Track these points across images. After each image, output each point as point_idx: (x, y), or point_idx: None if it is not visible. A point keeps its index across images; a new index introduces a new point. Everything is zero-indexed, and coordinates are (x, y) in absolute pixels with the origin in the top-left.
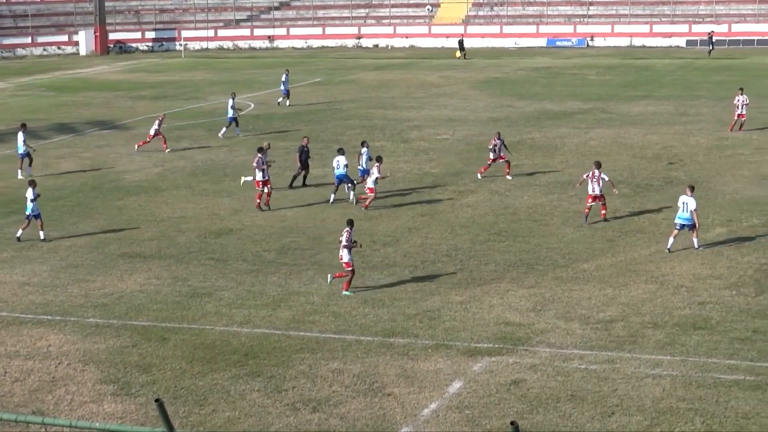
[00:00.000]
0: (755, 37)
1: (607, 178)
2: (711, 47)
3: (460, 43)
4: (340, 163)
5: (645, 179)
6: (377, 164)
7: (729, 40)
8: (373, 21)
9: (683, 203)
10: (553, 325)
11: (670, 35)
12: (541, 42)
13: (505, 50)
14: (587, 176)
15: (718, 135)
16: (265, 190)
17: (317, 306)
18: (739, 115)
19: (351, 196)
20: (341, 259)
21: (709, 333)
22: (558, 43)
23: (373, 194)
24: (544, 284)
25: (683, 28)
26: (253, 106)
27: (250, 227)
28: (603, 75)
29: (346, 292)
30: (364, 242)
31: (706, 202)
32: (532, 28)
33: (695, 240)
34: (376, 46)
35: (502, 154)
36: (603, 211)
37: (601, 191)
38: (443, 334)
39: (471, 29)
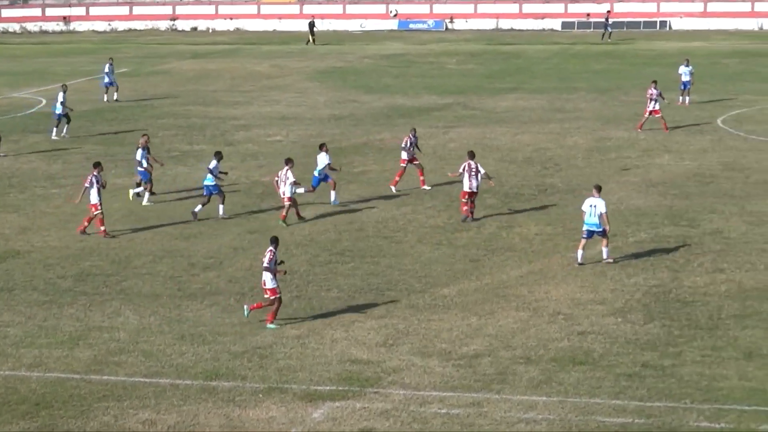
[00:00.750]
0: (641, 19)
1: (483, 171)
2: (607, 31)
3: (311, 25)
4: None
5: (515, 187)
6: (287, 166)
7: (612, 22)
8: None
9: (591, 206)
10: (408, 362)
11: (542, 16)
12: (392, 24)
13: (348, 34)
14: (464, 169)
15: (600, 135)
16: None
17: (124, 344)
18: (652, 112)
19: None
20: (263, 285)
21: (591, 368)
22: (411, 26)
23: (289, 203)
24: (397, 313)
25: (558, 8)
26: (44, 102)
27: (42, 249)
28: (464, 63)
29: (271, 326)
30: (180, 266)
31: None
32: (380, 8)
33: (605, 250)
34: (195, 29)
35: (415, 156)
36: (472, 209)
37: (477, 188)
38: (276, 375)
39: (308, 9)
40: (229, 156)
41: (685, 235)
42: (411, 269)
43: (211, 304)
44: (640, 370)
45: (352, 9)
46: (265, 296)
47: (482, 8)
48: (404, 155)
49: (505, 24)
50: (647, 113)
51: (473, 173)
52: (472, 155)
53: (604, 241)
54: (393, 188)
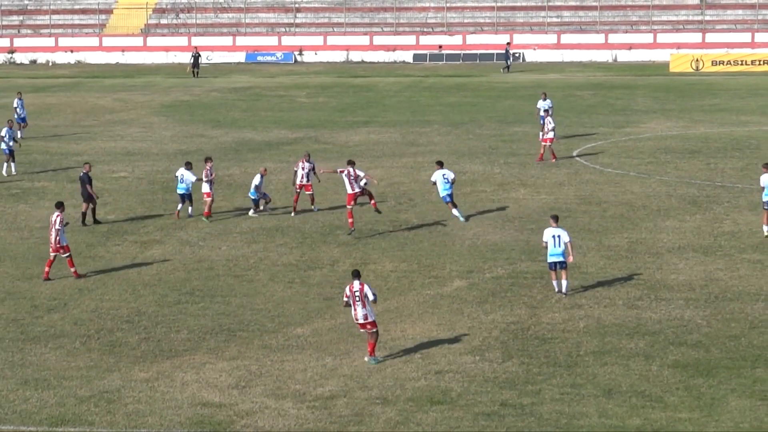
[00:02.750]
0: (494, 51)
1: (362, 174)
2: (508, 63)
3: (195, 57)
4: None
5: (368, 223)
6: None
7: (464, 54)
8: (29, 30)
9: (554, 237)
10: (262, 404)
11: (393, 48)
12: (239, 56)
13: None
14: (344, 173)
15: (454, 169)
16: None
17: None
18: (544, 140)
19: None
20: (365, 318)
21: (450, 408)
22: (260, 58)
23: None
24: (250, 354)
25: (409, 39)
26: None
27: None
28: (315, 97)
29: (373, 360)
30: (22, 308)
31: (442, 249)
32: (227, 40)
33: (564, 283)
34: (34, 62)
35: (309, 182)
36: (372, 201)
37: (360, 188)
38: (125, 420)
39: (152, 41)
40: (71, 193)
41: (543, 271)
42: (263, 308)
43: (56, 347)
44: (499, 409)
45: (197, 41)
46: (367, 329)
47: (332, 40)
48: (298, 181)
49: (356, 56)
50: (543, 141)
51: (353, 178)
52: (352, 163)
53: (564, 273)
54: (293, 214)
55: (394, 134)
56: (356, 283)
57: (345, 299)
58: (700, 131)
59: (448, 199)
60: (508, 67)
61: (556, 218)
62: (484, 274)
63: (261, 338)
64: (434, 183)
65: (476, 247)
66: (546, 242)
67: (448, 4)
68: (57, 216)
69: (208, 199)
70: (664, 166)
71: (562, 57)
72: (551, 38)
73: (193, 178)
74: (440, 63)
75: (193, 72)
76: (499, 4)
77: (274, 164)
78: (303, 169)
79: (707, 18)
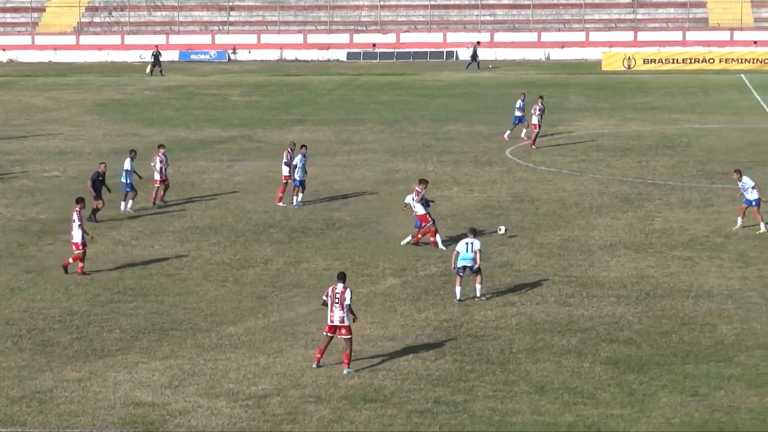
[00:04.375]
0: (428, 49)
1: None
2: (475, 61)
3: (156, 56)
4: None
5: (302, 222)
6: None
7: (397, 52)
8: None
9: (467, 243)
10: (195, 403)
11: (327, 47)
12: (173, 55)
13: (128, 65)
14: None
15: (388, 167)
16: None
17: None
18: (533, 125)
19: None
20: (341, 322)
21: (383, 406)
22: (193, 57)
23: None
24: (183, 354)
25: (343, 38)
26: None
27: None
28: (248, 95)
29: (349, 370)
30: None
31: (375, 248)
32: (160, 38)
33: (478, 287)
34: None
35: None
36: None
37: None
38: (57, 420)
39: (85, 39)
40: (3, 193)
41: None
42: (196, 307)
43: None
44: (432, 406)
45: (131, 39)
46: (331, 335)
47: (266, 39)
48: (285, 171)
49: (290, 54)
50: (536, 127)
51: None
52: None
53: (478, 278)
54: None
55: (327, 133)
56: (339, 286)
57: (324, 298)
58: (632, 129)
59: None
60: (477, 65)
61: (474, 231)
62: (417, 272)
63: (194, 337)
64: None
65: (409, 245)
66: (458, 250)
67: (381, 3)
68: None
69: (160, 185)
70: (597, 164)
71: (495, 55)
72: (485, 36)
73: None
74: (374, 61)
75: (152, 71)
76: (432, 3)
77: (206, 163)
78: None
79: (639, 17)
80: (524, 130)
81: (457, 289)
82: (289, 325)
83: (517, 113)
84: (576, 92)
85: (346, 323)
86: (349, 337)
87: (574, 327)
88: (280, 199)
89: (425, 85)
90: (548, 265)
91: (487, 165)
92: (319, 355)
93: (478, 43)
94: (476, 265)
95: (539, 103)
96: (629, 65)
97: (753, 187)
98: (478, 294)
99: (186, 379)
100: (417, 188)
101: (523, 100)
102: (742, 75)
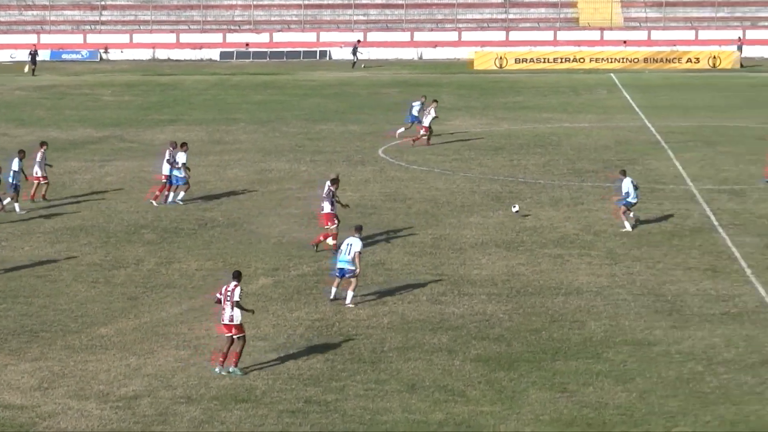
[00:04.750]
0: (301, 49)
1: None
2: (357, 59)
3: (33, 54)
4: None
5: (174, 222)
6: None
7: (270, 52)
8: None
9: (348, 245)
10: (65, 405)
11: (200, 46)
12: (44, 54)
13: None
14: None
15: (261, 166)
16: None
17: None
18: (423, 127)
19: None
20: (230, 321)
21: (254, 406)
22: (65, 56)
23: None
24: (52, 355)
25: (216, 37)
26: None
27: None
28: (121, 95)
29: (235, 369)
30: None
31: (247, 247)
32: (31, 38)
33: (350, 295)
34: None
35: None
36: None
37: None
38: None
39: None
40: None
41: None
42: (66, 309)
43: None
44: (304, 406)
45: (1, 39)
46: (230, 334)
47: (138, 38)
48: (166, 169)
49: (162, 54)
50: (426, 130)
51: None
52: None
53: (353, 283)
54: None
55: (200, 132)
56: (232, 284)
57: (218, 296)
58: (504, 128)
59: (338, 273)
60: (353, 64)
61: (359, 229)
62: (289, 271)
63: (64, 339)
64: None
65: (282, 244)
66: (341, 250)
67: (254, 3)
68: None
69: (41, 183)
70: (468, 163)
71: (368, 54)
72: (358, 36)
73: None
74: (247, 61)
75: (33, 71)
76: (305, 3)
77: (78, 163)
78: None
79: (511, 17)
80: (402, 129)
81: (333, 289)
82: (161, 325)
83: (414, 113)
84: (448, 91)
85: (236, 322)
86: (241, 335)
87: (445, 325)
88: (156, 197)
89: (298, 85)
90: (420, 263)
91: (359, 164)
92: (221, 358)
93: (359, 41)
94: (356, 270)
95: (433, 107)
96: (501, 65)
97: (629, 190)
98: (348, 301)
99: (55, 381)
100: (332, 187)
101: (422, 102)
102: (612, 74)
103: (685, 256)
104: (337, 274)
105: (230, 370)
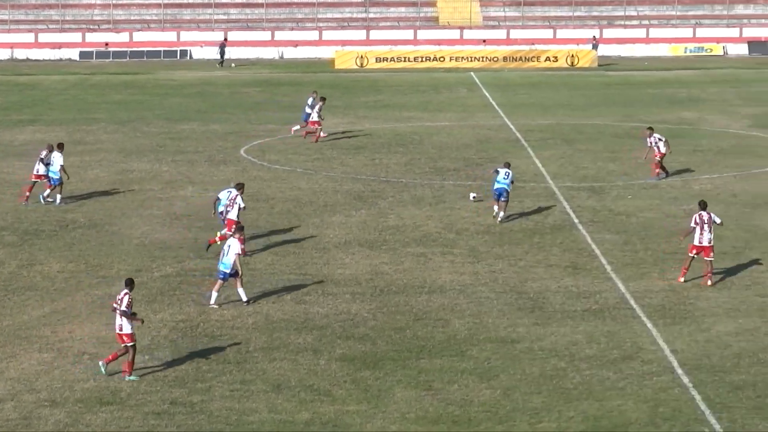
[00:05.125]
0: (161, 48)
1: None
2: (224, 58)
3: None
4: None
5: (34, 224)
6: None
7: (130, 51)
8: None
9: (228, 246)
10: None
11: (59, 46)
12: None
13: None
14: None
15: (122, 167)
16: None
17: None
18: (311, 122)
19: None
20: (119, 330)
21: (119, 408)
22: None
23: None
24: None
25: (75, 37)
26: None
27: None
28: None
29: (132, 377)
30: None
31: (110, 249)
32: None
33: (240, 291)
34: None
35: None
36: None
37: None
38: None
39: None
40: None
41: (211, 268)
42: None
43: None
44: (169, 407)
45: None
46: (121, 344)
47: None
48: (41, 169)
49: (21, 54)
50: (319, 124)
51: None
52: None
53: (238, 282)
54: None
55: (60, 132)
56: (122, 292)
57: (113, 305)
58: (365, 127)
59: (221, 276)
60: (221, 63)
61: (240, 228)
62: (152, 273)
63: None
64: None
65: (144, 246)
66: (222, 251)
67: (114, 2)
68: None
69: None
70: (330, 162)
71: (229, 54)
72: (218, 36)
73: None
74: (107, 60)
75: None
76: (165, 2)
77: None
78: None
79: (371, 16)
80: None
81: (213, 293)
82: (23, 328)
83: (308, 110)
84: (309, 91)
85: (125, 331)
86: (132, 344)
87: (310, 324)
88: (27, 198)
89: (159, 85)
90: (284, 263)
91: (222, 164)
92: (126, 369)
93: (226, 40)
94: (232, 270)
95: (320, 103)
96: (362, 64)
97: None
98: (243, 299)
99: None
100: (238, 193)
101: (313, 98)
102: (472, 73)
103: (546, 254)
104: (220, 276)
105: (126, 379)
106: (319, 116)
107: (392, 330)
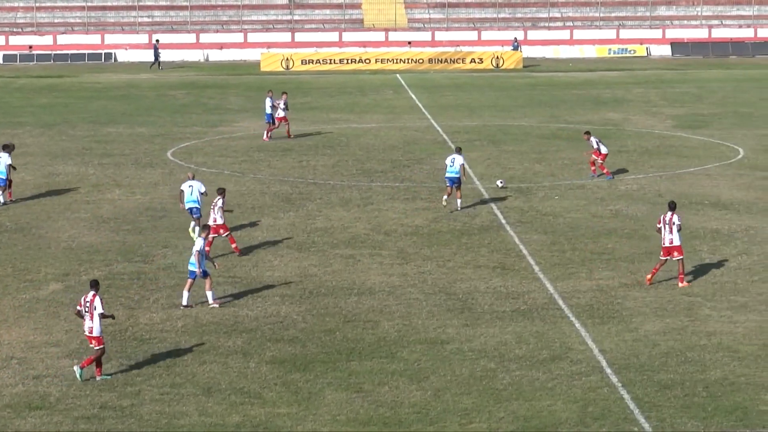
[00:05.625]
0: (85, 51)
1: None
2: (158, 61)
3: None
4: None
5: None
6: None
7: (54, 54)
8: None
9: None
10: None
11: None
12: None
13: None
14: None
15: (48, 170)
16: None
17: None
18: (278, 119)
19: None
20: (90, 333)
21: (49, 413)
22: None
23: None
24: None
25: None
26: None
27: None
28: None
29: (105, 376)
30: None
31: (37, 252)
32: None
33: (208, 294)
34: None
35: None
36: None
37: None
38: None
39: None
40: None
41: (140, 272)
42: None
43: None
44: (99, 411)
45: None
46: (91, 345)
47: None
48: None
49: None
50: (286, 120)
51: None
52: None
53: (207, 283)
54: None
55: None
56: (90, 294)
57: (78, 308)
58: (292, 129)
59: (191, 275)
60: (158, 64)
61: (205, 229)
62: (80, 276)
63: None
64: None
65: (72, 249)
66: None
67: (37, 4)
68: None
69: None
70: (258, 164)
71: (150, 57)
72: (143, 38)
73: None
74: (31, 64)
75: None
76: (89, 4)
77: None
78: None
79: (296, 18)
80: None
81: (185, 293)
82: None
83: (268, 110)
84: (236, 93)
85: (95, 333)
86: (101, 347)
87: (239, 327)
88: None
89: (84, 88)
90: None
91: (148, 167)
92: (97, 370)
93: (158, 41)
94: (199, 270)
95: (284, 98)
96: (287, 66)
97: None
98: (210, 300)
99: None
100: (222, 198)
101: (271, 98)
102: (398, 75)
103: (474, 254)
104: (190, 276)
105: (98, 378)
106: (285, 111)
107: (322, 332)
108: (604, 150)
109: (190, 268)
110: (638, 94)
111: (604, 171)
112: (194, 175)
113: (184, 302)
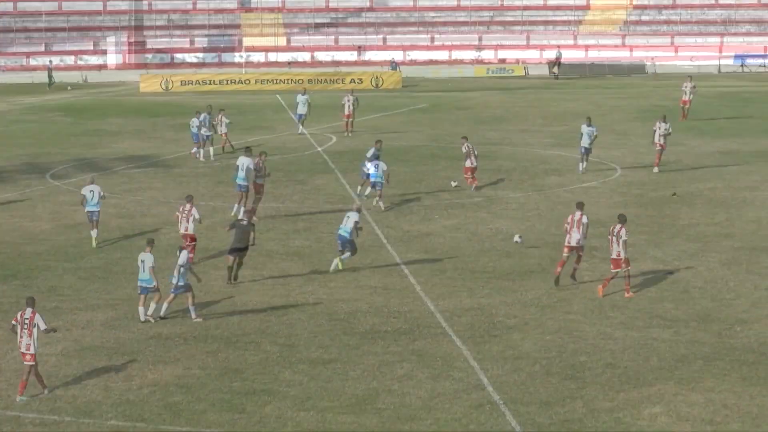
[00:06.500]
0: None
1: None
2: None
3: None
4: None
5: None
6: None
7: None
8: None
9: (141, 261)
10: None
11: None
12: None
13: None
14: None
15: None
16: None
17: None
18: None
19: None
20: (27, 350)
21: None
22: None
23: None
24: None
25: None
26: None
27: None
28: None
29: (22, 398)
30: None
31: None
32: None
33: (165, 306)
34: None
35: None
36: None
37: None
38: None
39: None
40: None
41: (19, 296)
42: None
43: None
44: None
45: None
46: (26, 362)
47: None
48: None
49: None
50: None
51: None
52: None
53: (156, 297)
54: None
55: None
56: (28, 311)
57: (13, 323)
58: (172, 150)
59: (141, 291)
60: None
61: (150, 243)
62: None
63: None
64: None
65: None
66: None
67: None
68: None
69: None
70: (139, 184)
71: (32, 78)
72: (21, 59)
73: None
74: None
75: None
76: None
77: None
78: None
79: (175, 40)
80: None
81: (140, 309)
82: None
83: (194, 130)
84: (116, 114)
85: (31, 351)
86: (33, 364)
87: (121, 350)
88: None
89: None
90: (92, 289)
91: (27, 188)
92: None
93: (51, 62)
94: (155, 284)
95: (222, 116)
96: (167, 87)
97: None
98: (162, 313)
99: None
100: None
101: (200, 117)
102: (278, 95)
103: (356, 274)
104: (140, 292)
105: (18, 399)
106: (227, 126)
107: (204, 354)
108: (474, 162)
109: (143, 284)
110: (517, 113)
111: (468, 180)
112: (93, 180)
113: (141, 318)
